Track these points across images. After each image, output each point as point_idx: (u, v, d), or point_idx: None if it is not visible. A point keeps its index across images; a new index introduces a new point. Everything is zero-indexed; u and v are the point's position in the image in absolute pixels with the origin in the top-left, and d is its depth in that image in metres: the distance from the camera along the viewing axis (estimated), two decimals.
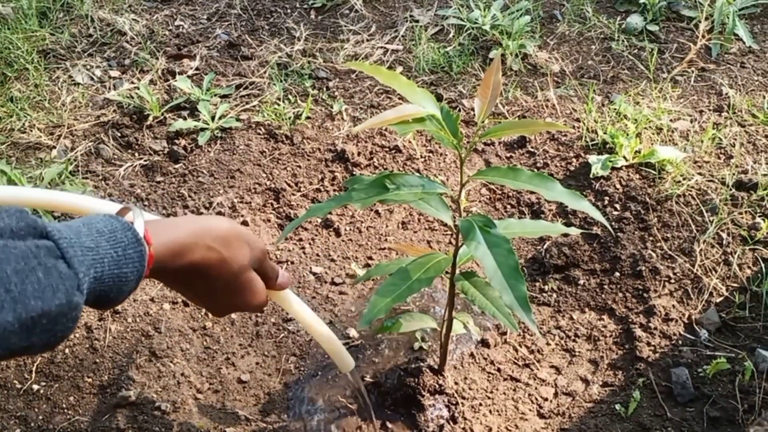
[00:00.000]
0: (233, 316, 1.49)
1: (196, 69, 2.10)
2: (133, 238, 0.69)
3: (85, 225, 0.67)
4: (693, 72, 2.01)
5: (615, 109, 1.86)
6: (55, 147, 1.87)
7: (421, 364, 1.35)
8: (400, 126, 0.92)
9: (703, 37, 2.09)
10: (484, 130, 0.98)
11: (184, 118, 1.93)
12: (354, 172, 1.77)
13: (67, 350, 1.42)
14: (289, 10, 2.35)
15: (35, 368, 1.39)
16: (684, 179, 1.68)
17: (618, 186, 1.68)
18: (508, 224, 1.15)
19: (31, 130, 1.91)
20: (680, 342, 1.41)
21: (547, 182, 0.95)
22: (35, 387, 1.37)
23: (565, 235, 1.59)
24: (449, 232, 1.66)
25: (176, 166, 1.82)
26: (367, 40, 2.20)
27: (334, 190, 1.75)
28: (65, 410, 1.34)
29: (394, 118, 0.90)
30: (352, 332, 1.45)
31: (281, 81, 2.04)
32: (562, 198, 0.93)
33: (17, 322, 0.56)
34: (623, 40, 2.13)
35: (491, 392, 1.35)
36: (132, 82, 2.06)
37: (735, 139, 1.78)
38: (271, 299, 1.00)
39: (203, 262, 0.79)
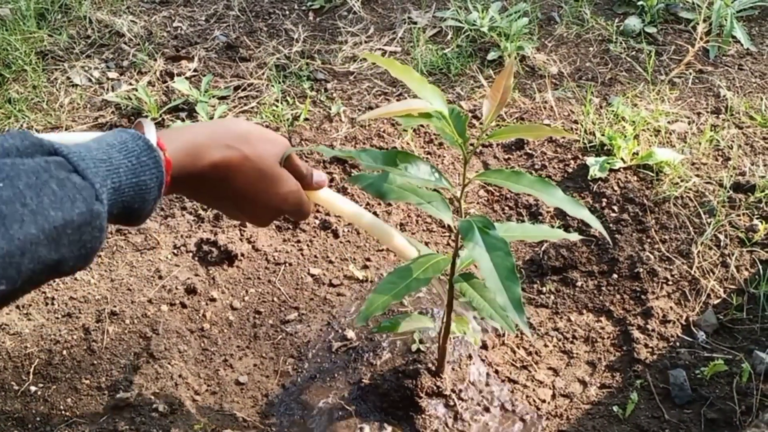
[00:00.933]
0: (230, 317, 1.49)
1: (195, 70, 2.11)
2: (145, 146, 0.68)
3: (95, 141, 0.67)
4: (691, 74, 2.02)
5: (613, 111, 1.86)
6: None
7: (419, 365, 1.35)
8: (406, 119, 0.92)
9: (701, 39, 2.10)
10: (489, 131, 0.98)
11: (183, 120, 1.93)
12: (352, 174, 1.77)
13: (64, 352, 1.42)
14: (287, 12, 2.35)
15: (33, 370, 1.39)
16: (682, 181, 1.68)
17: (616, 188, 1.68)
18: (508, 227, 1.15)
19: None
20: (678, 344, 1.41)
21: (549, 188, 0.95)
22: (33, 389, 1.36)
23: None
24: (447, 234, 1.66)
25: None
26: (365, 42, 2.20)
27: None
28: (63, 412, 1.33)
29: (400, 110, 0.90)
30: (350, 333, 1.45)
31: (279, 82, 2.05)
32: (562, 205, 0.94)
33: (41, 234, 0.56)
34: (621, 42, 2.14)
35: (490, 394, 1.35)
36: (130, 84, 2.06)
37: (733, 141, 1.78)
38: (313, 201, 0.96)
39: (224, 162, 0.77)
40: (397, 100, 1.97)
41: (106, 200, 0.62)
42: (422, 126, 1.85)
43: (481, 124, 1.84)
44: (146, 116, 1.94)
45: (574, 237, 1.21)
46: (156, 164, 0.68)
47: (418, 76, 0.96)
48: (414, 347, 1.42)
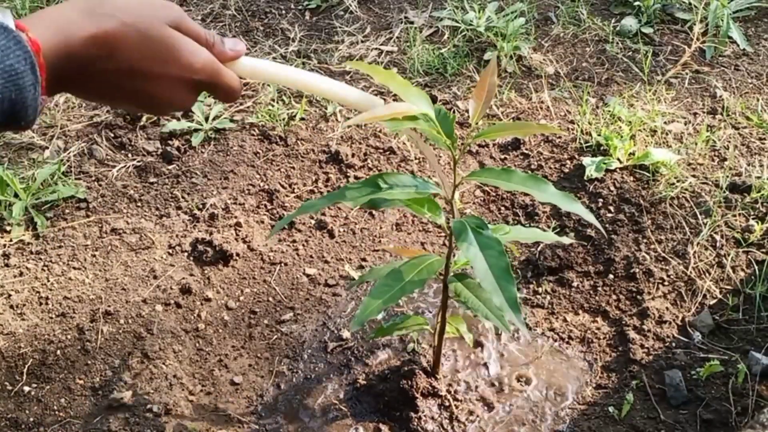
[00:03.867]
0: (226, 317, 1.49)
1: None
2: (1, 29, 0.60)
3: None
4: (687, 74, 2.02)
5: (609, 111, 1.86)
6: (47, 147, 1.86)
7: (415, 366, 1.35)
8: (392, 123, 0.91)
9: (698, 39, 2.10)
10: (478, 131, 0.97)
11: (178, 119, 1.92)
12: (348, 174, 1.77)
13: (58, 352, 1.41)
14: (283, 11, 2.35)
15: (26, 370, 1.38)
16: (678, 181, 1.68)
17: (612, 188, 1.68)
18: (501, 229, 1.14)
19: (24, 131, 1.90)
20: (674, 344, 1.41)
21: (540, 184, 0.94)
22: (26, 389, 1.36)
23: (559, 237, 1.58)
24: (443, 234, 1.66)
25: (169, 167, 1.81)
26: (362, 42, 2.19)
27: (328, 192, 1.74)
28: (56, 412, 1.33)
29: (385, 115, 0.89)
30: (345, 334, 1.45)
31: None
32: (554, 200, 0.93)
33: None
34: (618, 43, 2.14)
35: (485, 394, 1.35)
36: None
37: (729, 142, 1.78)
38: (238, 74, 0.84)
39: (101, 33, 0.67)
40: (394, 100, 1.97)
41: None
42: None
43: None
44: (141, 115, 1.93)
45: (567, 240, 1.20)
46: (19, 45, 0.61)
47: (401, 80, 0.95)
48: (410, 347, 1.41)
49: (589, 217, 0.95)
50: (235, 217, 1.67)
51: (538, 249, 1.59)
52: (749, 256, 1.53)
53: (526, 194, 1.67)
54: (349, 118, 1.92)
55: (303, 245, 1.63)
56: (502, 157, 1.81)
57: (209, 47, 0.78)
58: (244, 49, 0.85)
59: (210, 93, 0.80)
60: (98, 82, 0.71)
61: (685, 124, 1.85)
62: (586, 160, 1.72)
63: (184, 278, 1.55)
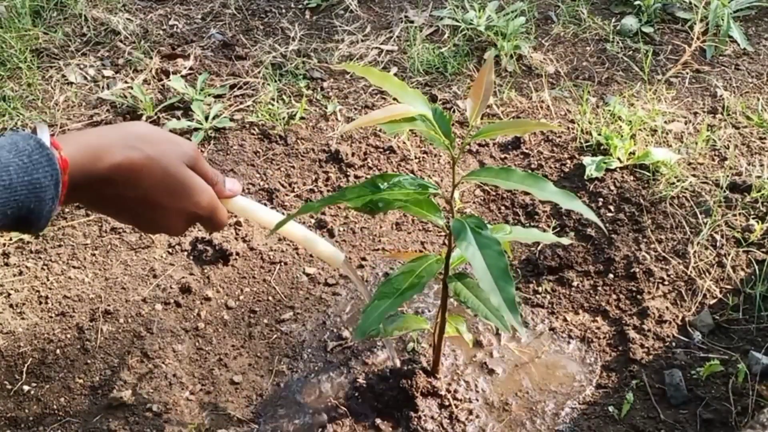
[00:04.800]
0: (225, 316, 1.48)
1: (190, 69, 2.10)
2: (37, 145, 0.66)
3: None
4: (687, 74, 2.01)
5: (609, 110, 1.86)
6: None
7: (415, 365, 1.35)
8: (390, 125, 0.91)
9: (698, 39, 2.09)
10: (477, 130, 0.97)
11: (178, 118, 1.92)
12: (348, 173, 1.77)
13: (58, 351, 1.41)
14: (283, 10, 2.34)
15: (26, 369, 1.38)
16: (678, 181, 1.67)
17: (612, 187, 1.68)
18: (501, 229, 1.14)
19: (24, 130, 1.90)
20: (674, 344, 1.40)
21: (540, 182, 0.94)
22: (26, 388, 1.36)
23: (559, 236, 1.58)
24: (443, 233, 1.66)
25: None
26: (362, 41, 2.19)
27: (328, 191, 1.74)
28: (56, 411, 1.33)
29: (383, 117, 0.89)
30: (345, 333, 1.45)
31: (275, 81, 2.04)
32: (554, 198, 0.93)
33: None
34: (618, 42, 2.13)
35: (485, 394, 1.35)
36: (126, 82, 2.05)
37: (729, 141, 1.78)
38: (229, 211, 0.91)
39: (127, 162, 0.73)
40: (393, 100, 1.97)
41: None
42: None
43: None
44: (141, 114, 1.93)
45: (566, 241, 1.20)
46: (49, 162, 0.66)
47: (397, 81, 0.95)
48: (410, 347, 1.41)
49: (590, 214, 0.94)
50: (235, 216, 1.67)
51: (538, 248, 1.59)
52: (749, 256, 1.53)
53: (526, 193, 1.67)
54: (349, 118, 1.92)
55: None
56: (503, 156, 1.81)
57: (212, 185, 0.85)
58: (240, 190, 0.92)
59: (201, 223, 0.87)
60: (111, 203, 0.77)
61: (686, 124, 1.85)
62: (587, 160, 1.72)
63: (183, 277, 1.55)
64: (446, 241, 1.64)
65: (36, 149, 0.65)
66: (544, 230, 1.60)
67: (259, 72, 2.08)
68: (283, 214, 1.68)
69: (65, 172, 0.68)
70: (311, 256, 1.61)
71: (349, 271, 1.12)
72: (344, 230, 1.66)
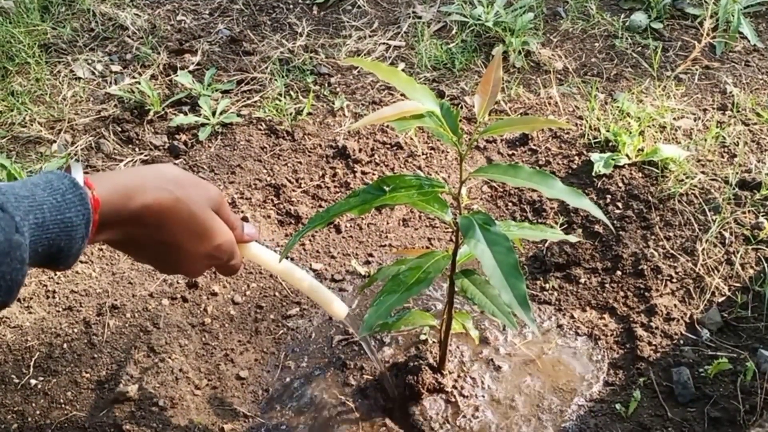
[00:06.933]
0: (232, 311, 1.49)
1: (198, 64, 2.10)
2: (71, 184, 0.67)
3: (21, 181, 0.67)
4: (697, 70, 2.00)
5: (618, 107, 1.85)
6: (55, 141, 1.86)
7: (421, 361, 1.35)
8: (399, 122, 0.91)
9: (708, 35, 2.08)
10: (485, 127, 0.97)
11: (185, 114, 1.92)
12: (355, 169, 1.76)
13: (65, 345, 1.42)
14: (291, 6, 2.34)
15: (33, 363, 1.39)
16: (687, 178, 1.66)
17: (620, 184, 1.67)
18: (507, 226, 1.14)
19: (32, 125, 1.91)
20: (682, 342, 1.40)
21: (548, 180, 0.93)
22: (33, 382, 1.36)
23: (566, 233, 1.58)
24: (450, 230, 1.65)
25: (177, 162, 1.81)
26: (370, 36, 2.19)
27: (335, 187, 1.74)
28: (63, 405, 1.33)
29: (392, 114, 0.88)
30: (351, 329, 1.45)
31: (283, 77, 2.04)
32: (562, 195, 0.92)
33: None
34: (627, 38, 2.12)
35: (491, 390, 1.35)
36: (133, 77, 2.06)
37: (739, 138, 1.77)
38: (243, 255, 0.95)
39: (156, 204, 0.76)
40: (400, 95, 1.96)
41: (27, 233, 0.62)
42: None
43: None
44: (149, 110, 1.93)
45: (573, 239, 1.19)
46: (82, 202, 0.68)
47: (405, 77, 0.94)
48: (421, 337, 1.41)
49: (597, 213, 0.94)
50: (242, 212, 1.67)
51: (546, 245, 1.58)
52: (758, 254, 1.52)
53: (533, 190, 1.66)
54: (356, 114, 1.91)
55: (310, 240, 1.63)
56: (510, 152, 1.80)
57: (232, 229, 0.88)
58: (257, 236, 0.96)
59: (217, 267, 0.90)
60: (137, 243, 0.79)
61: (695, 120, 1.84)
62: (595, 156, 1.71)
63: None
64: (453, 238, 1.63)
65: (70, 188, 0.67)
66: (552, 227, 1.60)
67: (266, 67, 2.08)
68: (292, 213, 1.68)
69: (96, 211, 0.70)
70: (318, 251, 1.61)
71: (353, 326, 1.16)
72: (351, 226, 1.66)
